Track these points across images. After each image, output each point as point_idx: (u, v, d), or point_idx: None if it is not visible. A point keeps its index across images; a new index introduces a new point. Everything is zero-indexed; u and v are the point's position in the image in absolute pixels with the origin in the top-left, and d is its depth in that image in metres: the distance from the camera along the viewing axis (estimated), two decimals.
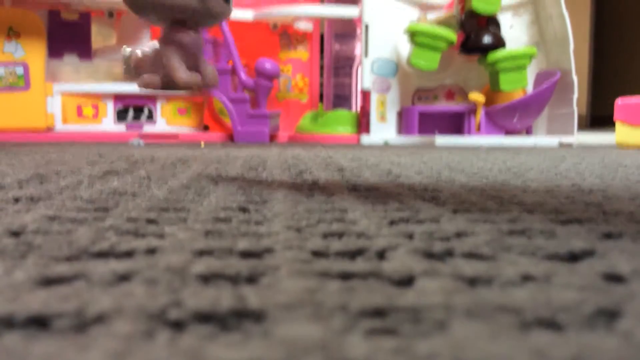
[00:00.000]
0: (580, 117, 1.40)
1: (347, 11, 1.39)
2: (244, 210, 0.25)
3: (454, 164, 0.57)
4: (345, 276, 0.15)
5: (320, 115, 1.41)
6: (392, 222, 0.22)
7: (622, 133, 1.13)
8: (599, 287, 0.14)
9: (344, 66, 1.60)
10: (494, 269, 0.15)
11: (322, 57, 1.62)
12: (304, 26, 1.47)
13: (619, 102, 1.14)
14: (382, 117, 1.41)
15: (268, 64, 1.25)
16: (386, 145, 1.19)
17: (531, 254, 0.17)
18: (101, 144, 1.00)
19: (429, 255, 0.17)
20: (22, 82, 1.28)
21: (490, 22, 1.35)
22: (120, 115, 1.34)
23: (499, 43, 1.34)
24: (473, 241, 0.19)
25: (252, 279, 0.15)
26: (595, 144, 1.37)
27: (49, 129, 1.30)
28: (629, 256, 0.17)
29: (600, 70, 3.47)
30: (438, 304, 0.13)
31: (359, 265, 0.16)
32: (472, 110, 1.37)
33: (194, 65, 0.38)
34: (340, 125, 1.46)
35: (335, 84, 1.64)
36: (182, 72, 0.37)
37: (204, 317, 0.12)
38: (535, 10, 1.42)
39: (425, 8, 1.42)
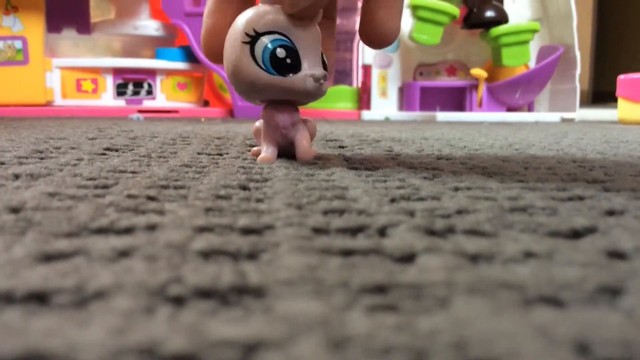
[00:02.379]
0: (582, 93, 1.39)
1: None
2: (244, 188, 0.25)
3: (455, 140, 0.57)
4: (346, 253, 0.15)
5: None
6: (393, 200, 0.22)
7: (624, 109, 1.13)
8: (602, 264, 0.14)
9: (344, 41, 1.58)
10: (495, 245, 0.15)
11: None
12: None
13: (622, 78, 1.13)
14: (383, 93, 1.40)
15: None
16: (387, 121, 1.18)
17: (533, 231, 0.17)
18: (101, 119, 1.00)
19: (431, 232, 0.17)
20: (21, 57, 1.27)
21: None
22: (120, 91, 1.33)
23: (502, 18, 1.33)
24: (474, 218, 0.19)
25: (252, 256, 0.15)
26: (597, 120, 1.36)
27: (48, 103, 1.30)
28: (631, 233, 0.17)
29: (603, 46, 3.44)
30: (439, 281, 0.13)
31: (360, 242, 0.16)
32: (474, 86, 1.36)
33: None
34: (341, 100, 1.45)
35: (336, 59, 1.62)
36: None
37: (205, 293, 0.12)
38: None
39: None
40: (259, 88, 0.33)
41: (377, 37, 0.33)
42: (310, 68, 0.32)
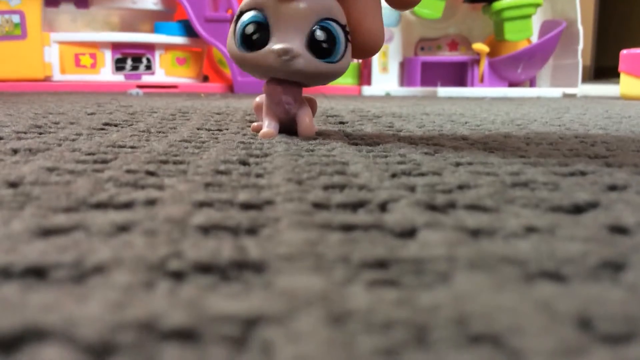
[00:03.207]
0: (584, 68, 1.39)
1: None
2: (244, 163, 0.25)
3: (456, 116, 0.57)
4: (347, 228, 0.15)
5: None
6: (393, 175, 0.22)
7: (626, 84, 1.12)
8: (604, 239, 0.14)
9: None
10: (497, 221, 0.15)
11: None
12: None
13: (624, 53, 1.12)
14: (384, 68, 1.39)
15: None
16: (388, 97, 1.18)
17: (535, 206, 0.17)
18: (99, 94, 0.99)
19: (431, 207, 0.17)
20: (19, 31, 1.25)
21: None
22: (119, 66, 1.32)
23: None
24: (476, 193, 0.19)
25: (252, 231, 0.14)
26: (599, 95, 1.35)
27: (47, 78, 1.29)
28: (634, 208, 0.17)
29: (606, 21, 3.40)
30: (441, 256, 0.12)
31: (361, 217, 0.16)
32: (476, 61, 1.35)
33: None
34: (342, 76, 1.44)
35: None
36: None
37: (204, 268, 0.12)
38: None
39: None
40: (239, 65, 0.34)
41: (366, 46, 0.33)
42: (277, 43, 0.32)
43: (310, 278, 0.11)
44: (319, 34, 0.32)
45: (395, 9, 0.34)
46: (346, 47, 0.33)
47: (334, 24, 0.32)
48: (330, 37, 0.33)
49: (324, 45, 0.32)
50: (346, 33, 0.33)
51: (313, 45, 0.32)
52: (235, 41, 0.33)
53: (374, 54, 0.34)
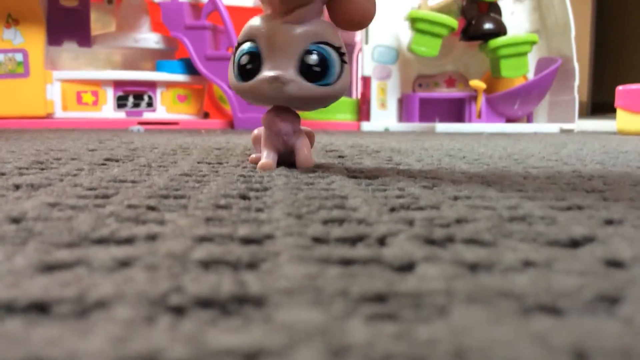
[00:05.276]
0: (581, 104, 1.40)
1: None
2: (244, 197, 0.25)
3: (455, 150, 0.57)
4: (346, 262, 0.15)
5: None
6: (392, 209, 0.22)
7: (622, 120, 1.13)
8: (600, 273, 0.14)
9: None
10: (494, 254, 0.15)
11: None
12: None
13: (620, 89, 1.13)
14: (383, 104, 1.40)
15: None
16: (387, 132, 1.19)
17: (532, 240, 0.17)
18: (101, 130, 1.00)
19: (430, 241, 0.17)
20: (22, 69, 1.27)
21: (492, 9, 1.34)
22: (120, 103, 1.34)
23: (500, 30, 1.33)
24: (474, 227, 0.19)
25: (252, 265, 0.15)
26: (596, 130, 1.36)
27: (49, 116, 1.30)
28: (629, 242, 0.17)
29: (602, 58, 3.45)
30: (439, 290, 0.13)
31: (360, 251, 0.16)
32: (473, 97, 1.36)
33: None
34: (340, 112, 1.46)
35: None
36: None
37: (205, 303, 0.12)
38: None
39: None
40: (238, 94, 0.35)
41: (354, 18, 0.33)
42: (268, 71, 0.33)
43: (309, 312, 0.11)
44: (309, 58, 0.33)
45: (345, 30, 0.35)
46: (342, 68, 0.34)
47: (326, 47, 0.33)
48: (322, 60, 0.33)
49: (316, 68, 0.33)
50: (341, 54, 0.34)
51: (304, 69, 0.33)
52: (234, 72, 0.35)
53: (364, 26, 0.34)
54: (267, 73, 0.33)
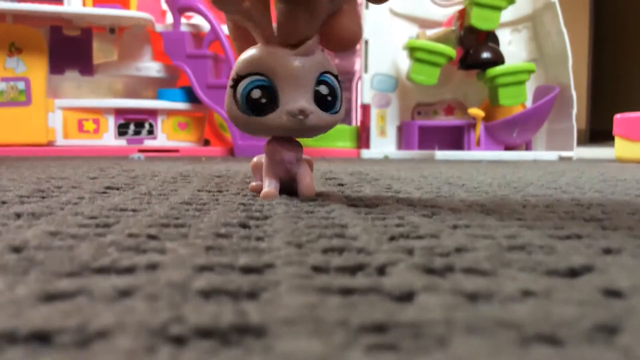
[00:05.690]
0: (579, 132, 1.41)
1: None
2: (244, 226, 0.25)
3: (454, 178, 0.57)
4: (346, 291, 0.15)
5: None
6: (392, 238, 0.22)
7: (621, 147, 1.14)
8: (599, 303, 0.14)
9: (343, 81, 1.61)
10: (494, 284, 0.16)
11: None
12: None
13: (618, 117, 1.14)
14: (382, 132, 1.41)
15: None
16: (386, 160, 1.19)
17: (531, 270, 0.17)
18: (102, 158, 1.01)
19: (429, 270, 0.17)
20: (24, 97, 1.28)
21: (489, 38, 1.36)
22: (122, 130, 1.35)
23: (498, 59, 1.35)
24: (473, 256, 0.19)
25: (253, 295, 0.15)
26: (595, 158, 1.37)
27: (50, 143, 1.31)
28: (628, 271, 0.17)
29: (599, 86, 3.48)
30: (438, 320, 0.13)
31: (359, 280, 0.16)
32: (472, 125, 1.37)
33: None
34: (340, 139, 1.46)
35: None
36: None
37: (205, 333, 0.12)
38: (533, 27, 1.43)
39: (424, 24, 1.43)
40: (245, 129, 0.35)
41: (343, 40, 0.34)
42: (289, 104, 0.33)
43: (309, 342, 0.11)
44: (323, 89, 0.34)
45: (334, 51, 0.35)
46: (342, 95, 0.35)
47: (331, 77, 0.34)
48: (331, 89, 0.34)
49: (329, 98, 0.34)
50: (340, 82, 0.34)
51: (318, 99, 0.34)
52: (238, 106, 0.33)
53: (352, 47, 0.35)
54: (291, 106, 0.33)
